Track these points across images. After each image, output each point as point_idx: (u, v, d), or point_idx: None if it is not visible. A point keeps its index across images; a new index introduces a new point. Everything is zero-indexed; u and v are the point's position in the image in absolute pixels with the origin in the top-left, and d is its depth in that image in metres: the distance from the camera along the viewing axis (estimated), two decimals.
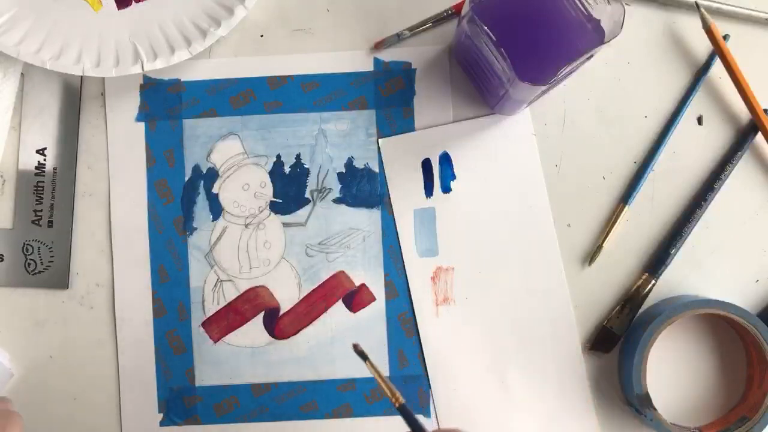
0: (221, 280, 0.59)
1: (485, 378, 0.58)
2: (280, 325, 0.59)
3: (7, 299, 0.58)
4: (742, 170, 0.59)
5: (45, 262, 0.58)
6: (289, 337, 0.59)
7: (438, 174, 0.59)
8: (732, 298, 0.58)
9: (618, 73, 0.59)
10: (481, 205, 0.59)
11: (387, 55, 0.59)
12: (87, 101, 0.59)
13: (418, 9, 0.59)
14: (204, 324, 0.58)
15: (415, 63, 0.59)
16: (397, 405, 0.46)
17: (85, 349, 0.58)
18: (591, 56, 0.49)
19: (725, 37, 0.58)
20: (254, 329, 0.59)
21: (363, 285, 0.59)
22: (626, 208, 0.58)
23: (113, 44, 0.57)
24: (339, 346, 0.58)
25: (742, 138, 0.58)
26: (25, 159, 0.59)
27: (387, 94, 0.59)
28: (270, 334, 0.58)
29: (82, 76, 0.58)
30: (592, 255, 0.58)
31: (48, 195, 0.58)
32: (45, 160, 0.58)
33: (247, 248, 0.59)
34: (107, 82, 0.59)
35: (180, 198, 0.59)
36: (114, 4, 0.58)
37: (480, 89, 0.58)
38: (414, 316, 0.58)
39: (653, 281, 0.58)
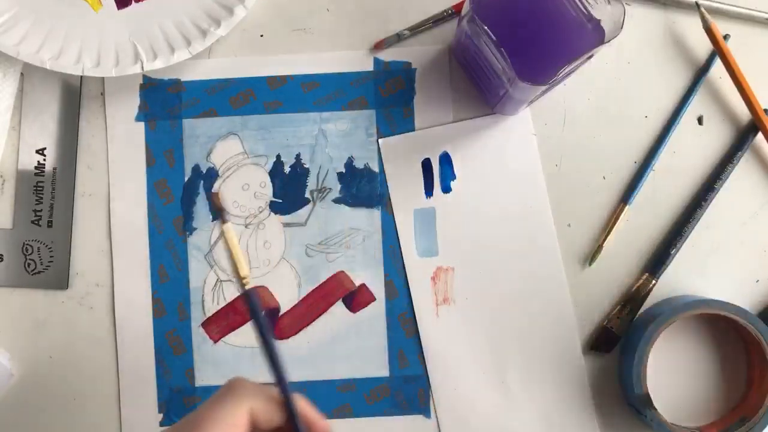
0: (221, 280, 0.59)
1: (485, 378, 0.58)
2: (280, 325, 0.59)
3: (7, 299, 0.58)
4: (742, 170, 0.59)
5: (45, 262, 0.58)
6: (289, 337, 0.59)
7: (438, 174, 0.59)
8: (732, 298, 0.58)
9: (618, 73, 0.59)
10: (481, 205, 0.58)
11: (387, 55, 0.59)
12: (87, 101, 0.59)
13: (418, 9, 0.59)
14: (204, 324, 0.58)
15: (415, 63, 0.59)
16: (241, 289, 0.42)
17: (85, 349, 0.58)
18: (591, 56, 0.49)
19: (725, 37, 0.58)
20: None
21: (363, 285, 0.59)
22: (626, 208, 0.58)
23: (113, 44, 0.57)
24: (339, 346, 0.58)
25: (742, 138, 0.58)
26: (25, 159, 0.59)
27: (387, 94, 0.59)
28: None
29: (82, 76, 0.58)
30: (592, 255, 0.58)
31: (48, 195, 0.58)
32: (45, 160, 0.58)
33: (247, 248, 0.59)
34: (107, 82, 0.59)
35: (180, 198, 0.59)
36: (114, 4, 0.58)
37: (480, 89, 0.58)
38: (414, 316, 0.58)
39: (653, 281, 0.58)
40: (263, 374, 0.58)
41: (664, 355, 0.58)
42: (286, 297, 0.59)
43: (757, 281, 0.59)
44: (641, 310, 0.58)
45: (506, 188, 0.58)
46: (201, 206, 0.59)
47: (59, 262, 0.58)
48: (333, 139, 0.59)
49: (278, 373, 0.43)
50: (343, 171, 0.59)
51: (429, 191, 0.59)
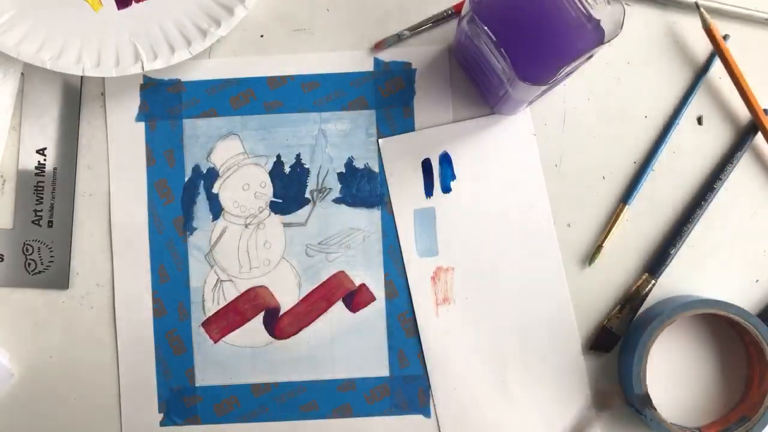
0: (221, 280, 0.59)
1: (485, 378, 0.58)
2: (280, 325, 0.59)
3: (7, 299, 0.58)
4: (742, 170, 0.59)
5: (45, 262, 0.58)
6: (289, 337, 0.59)
7: (438, 174, 0.59)
8: (732, 298, 0.58)
9: (618, 73, 0.59)
10: (481, 205, 0.59)
11: (387, 55, 0.59)
12: (87, 101, 0.59)
13: (418, 9, 0.59)
14: (204, 324, 0.59)
15: (415, 63, 0.59)
16: None
17: (85, 349, 0.58)
18: (591, 56, 0.49)
19: (725, 37, 0.58)
20: (254, 329, 0.59)
21: (363, 285, 0.59)
22: (626, 208, 0.58)
23: (113, 44, 0.57)
24: (339, 346, 0.58)
25: (742, 138, 0.58)
26: (25, 159, 0.59)
27: (387, 94, 0.59)
28: (270, 334, 0.59)
29: (82, 76, 0.58)
30: (592, 255, 0.58)
31: (48, 195, 0.58)
32: (45, 160, 0.58)
33: (247, 248, 0.59)
34: (107, 82, 0.59)
35: (180, 198, 0.59)
36: (114, 4, 0.58)
37: (480, 89, 0.58)
38: (414, 316, 0.58)
39: (653, 281, 0.58)
40: (262, 374, 0.58)
41: (664, 355, 0.58)
42: (286, 297, 0.59)
43: (757, 281, 0.59)
44: (641, 310, 0.58)
45: (506, 188, 0.59)
46: (201, 206, 0.59)
47: (59, 262, 0.58)
48: (333, 139, 0.59)
49: None
50: (343, 171, 0.59)
51: (429, 191, 0.59)
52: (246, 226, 0.59)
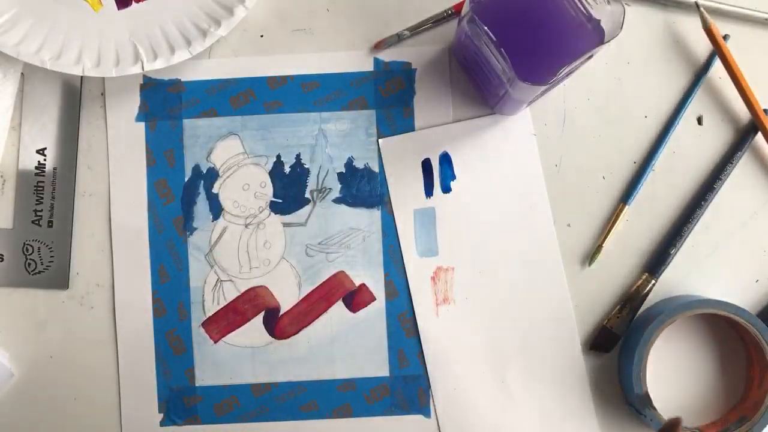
0: (221, 280, 0.59)
1: (485, 378, 0.58)
2: (280, 325, 0.59)
3: (7, 299, 0.58)
4: (742, 170, 0.59)
5: (45, 262, 0.58)
6: (289, 337, 0.59)
7: (438, 174, 0.59)
8: (732, 298, 0.58)
9: (618, 73, 0.59)
10: (481, 205, 0.59)
11: (387, 55, 0.59)
12: (87, 101, 0.59)
13: (418, 9, 0.59)
14: (204, 324, 0.59)
15: (415, 63, 0.59)
16: None
17: (85, 349, 0.58)
18: (591, 56, 0.49)
19: (725, 37, 0.58)
20: (254, 329, 0.59)
21: (363, 285, 0.59)
22: (626, 208, 0.58)
23: (113, 44, 0.57)
24: (339, 346, 0.58)
25: (742, 138, 0.58)
26: (25, 159, 0.59)
27: (387, 94, 0.59)
28: (270, 334, 0.59)
29: (82, 76, 0.59)
30: (592, 255, 0.58)
31: (48, 195, 0.58)
32: (45, 160, 0.58)
33: (247, 248, 0.59)
34: (107, 82, 0.59)
35: (180, 198, 0.59)
36: (114, 4, 0.58)
37: (480, 89, 0.58)
38: (414, 316, 0.58)
39: (653, 281, 0.58)
40: (262, 374, 0.58)
41: (664, 355, 0.58)
42: (286, 297, 0.59)
43: (757, 281, 0.59)
44: (641, 310, 0.58)
45: (506, 188, 0.59)
46: (201, 206, 0.59)
47: (59, 262, 0.58)
48: (333, 139, 0.59)
49: None
50: (343, 171, 0.59)
51: (429, 191, 0.59)
52: (246, 226, 0.59)
